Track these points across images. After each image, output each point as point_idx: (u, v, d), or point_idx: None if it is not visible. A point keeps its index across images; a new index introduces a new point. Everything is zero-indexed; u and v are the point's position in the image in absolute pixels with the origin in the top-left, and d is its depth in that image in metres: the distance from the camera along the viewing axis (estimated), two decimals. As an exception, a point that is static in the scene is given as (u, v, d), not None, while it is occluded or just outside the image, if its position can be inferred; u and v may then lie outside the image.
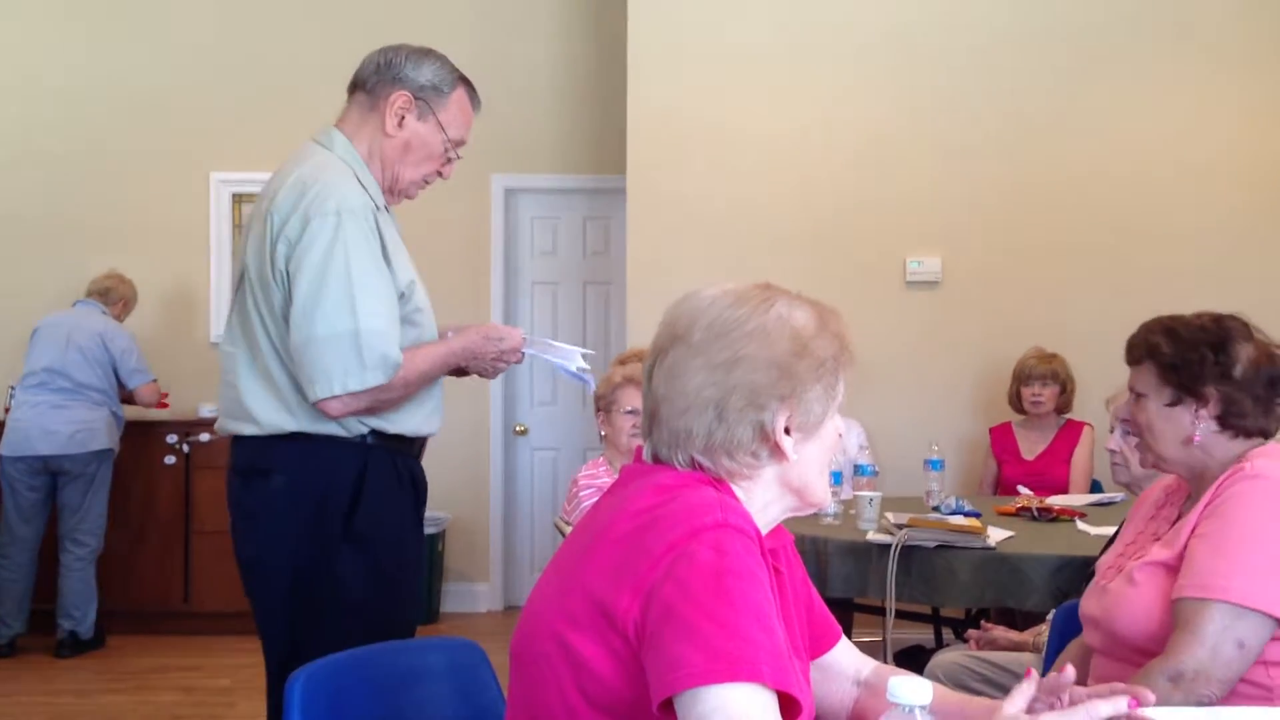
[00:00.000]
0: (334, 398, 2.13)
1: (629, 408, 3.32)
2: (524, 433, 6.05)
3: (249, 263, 2.22)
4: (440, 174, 2.40)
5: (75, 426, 4.90)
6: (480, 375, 2.40)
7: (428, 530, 5.49)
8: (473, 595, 5.93)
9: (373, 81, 2.31)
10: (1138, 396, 2.05)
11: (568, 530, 3.03)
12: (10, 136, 5.81)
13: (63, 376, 4.90)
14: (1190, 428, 1.98)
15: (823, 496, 1.42)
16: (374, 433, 2.24)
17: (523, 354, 2.40)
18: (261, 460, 2.22)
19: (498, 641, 2.05)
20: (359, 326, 2.12)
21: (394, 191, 2.36)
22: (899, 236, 5.07)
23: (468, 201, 5.90)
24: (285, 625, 2.23)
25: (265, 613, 2.27)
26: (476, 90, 2.41)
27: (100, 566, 5.07)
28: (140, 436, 5.31)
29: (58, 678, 4.73)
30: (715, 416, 1.33)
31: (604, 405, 3.40)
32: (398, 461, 2.30)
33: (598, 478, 3.33)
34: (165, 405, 5.36)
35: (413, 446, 2.35)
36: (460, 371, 2.38)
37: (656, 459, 1.39)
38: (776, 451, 1.35)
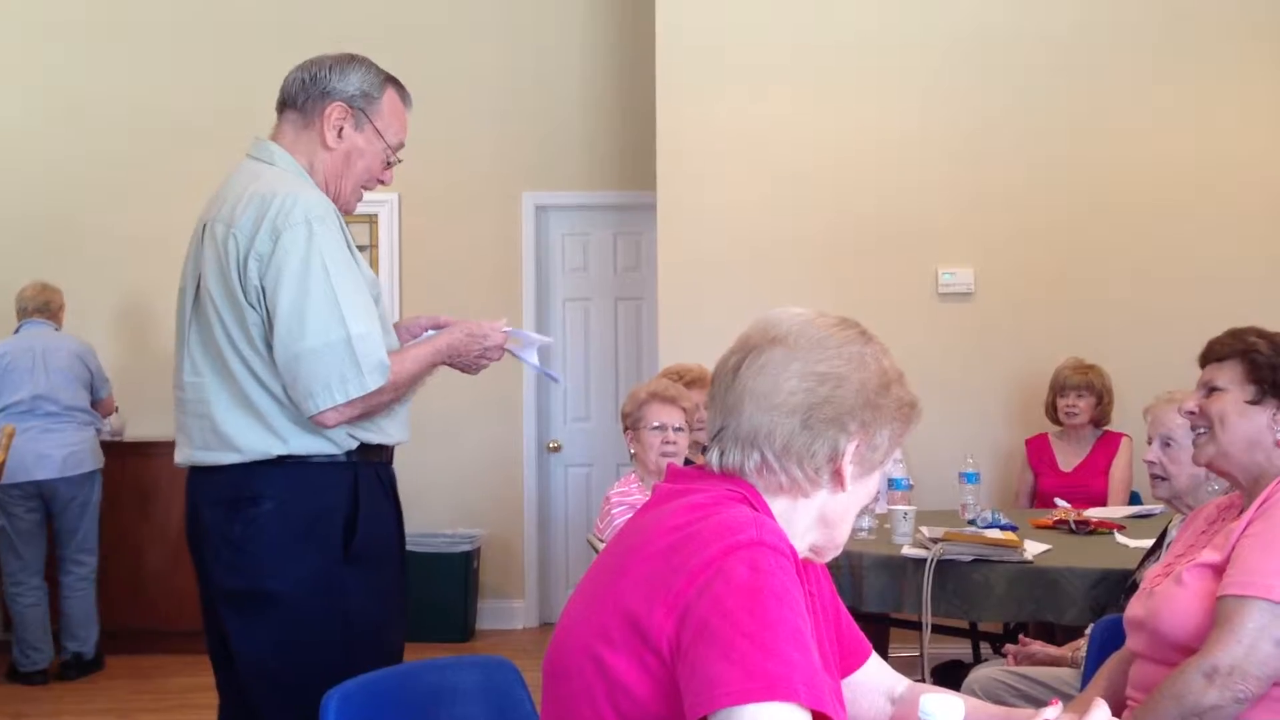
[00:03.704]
0: (333, 408, 2.09)
1: (656, 423, 3.32)
2: (557, 449, 6.05)
3: (211, 289, 2.15)
4: (381, 180, 2.36)
5: (67, 450, 4.92)
6: (463, 372, 2.38)
7: (461, 548, 5.59)
8: (508, 612, 5.93)
9: (302, 98, 2.28)
10: (1211, 391, 2.05)
11: (601, 547, 3.03)
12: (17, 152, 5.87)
13: (50, 401, 4.90)
14: (1267, 430, 1.98)
15: (843, 541, 1.45)
16: (360, 446, 2.20)
17: (504, 350, 2.37)
18: (247, 488, 2.15)
19: (534, 658, 2.05)
20: (349, 333, 2.09)
21: (335, 204, 2.28)
22: (931, 248, 5.04)
23: (499, 219, 5.94)
24: (280, 655, 2.14)
25: (252, 644, 2.17)
26: (404, 86, 2.36)
27: (140, 585, 5.11)
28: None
29: (97, 696, 4.77)
30: (801, 423, 1.35)
31: (631, 423, 3.39)
32: (380, 472, 2.27)
33: (630, 494, 3.33)
34: (115, 410, 5.37)
35: (389, 455, 2.32)
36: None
37: (722, 461, 1.39)
38: (836, 478, 1.38)
